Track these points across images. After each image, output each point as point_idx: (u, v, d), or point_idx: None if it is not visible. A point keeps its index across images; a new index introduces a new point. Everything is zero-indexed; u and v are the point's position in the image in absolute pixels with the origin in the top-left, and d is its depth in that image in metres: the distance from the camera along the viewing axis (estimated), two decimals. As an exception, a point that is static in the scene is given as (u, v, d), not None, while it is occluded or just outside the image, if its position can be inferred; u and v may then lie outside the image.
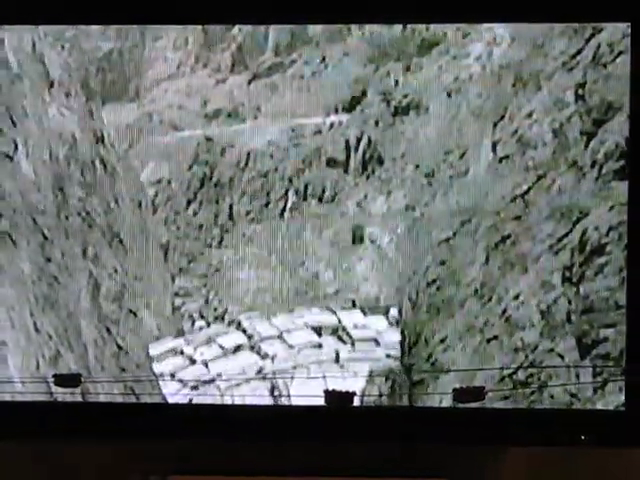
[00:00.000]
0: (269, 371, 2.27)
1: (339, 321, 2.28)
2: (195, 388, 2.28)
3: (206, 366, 2.29)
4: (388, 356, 2.27)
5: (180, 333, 2.29)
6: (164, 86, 2.27)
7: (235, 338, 2.29)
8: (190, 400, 2.28)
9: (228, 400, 2.28)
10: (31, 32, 2.26)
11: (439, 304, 2.26)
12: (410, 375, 2.26)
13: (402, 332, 2.27)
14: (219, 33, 2.26)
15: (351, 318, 2.28)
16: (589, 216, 2.21)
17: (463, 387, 2.20)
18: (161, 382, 2.29)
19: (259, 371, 2.27)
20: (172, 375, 2.29)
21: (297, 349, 2.28)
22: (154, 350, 2.29)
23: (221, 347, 2.29)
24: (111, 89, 2.27)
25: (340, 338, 2.28)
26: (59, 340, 2.29)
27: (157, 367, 2.29)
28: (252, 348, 2.28)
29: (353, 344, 2.28)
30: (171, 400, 2.28)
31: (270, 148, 2.27)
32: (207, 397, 2.27)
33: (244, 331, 2.29)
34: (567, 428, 2.21)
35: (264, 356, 2.28)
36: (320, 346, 2.27)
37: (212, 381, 2.28)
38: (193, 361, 2.29)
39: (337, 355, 2.27)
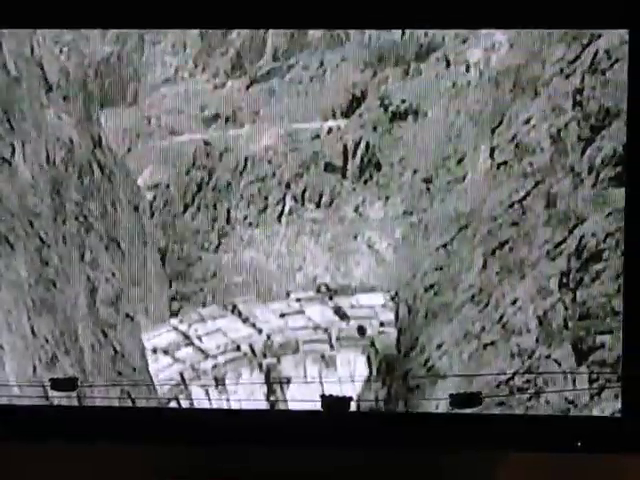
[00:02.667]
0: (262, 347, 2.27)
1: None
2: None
3: (200, 340, 2.28)
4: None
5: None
6: (162, 90, 2.27)
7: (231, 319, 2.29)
8: (181, 374, 2.28)
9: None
10: (29, 36, 2.25)
11: (436, 309, 2.26)
12: (406, 380, 2.27)
13: (399, 337, 2.27)
14: (218, 38, 2.26)
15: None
16: (586, 222, 2.21)
17: (460, 393, 2.20)
18: (150, 358, 2.29)
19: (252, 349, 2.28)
20: (165, 351, 2.29)
21: (292, 330, 2.28)
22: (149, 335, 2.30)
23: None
24: (109, 93, 2.27)
25: (340, 317, 2.28)
26: (56, 344, 2.29)
27: (149, 344, 2.29)
28: (245, 321, 2.28)
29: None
30: (159, 378, 2.28)
31: (268, 153, 2.27)
32: (199, 384, 2.27)
33: (240, 314, 2.29)
34: (563, 434, 2.21)
35: (259, 330, 2.28)
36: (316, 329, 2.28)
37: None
38: (187, 337, 2.29)
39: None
